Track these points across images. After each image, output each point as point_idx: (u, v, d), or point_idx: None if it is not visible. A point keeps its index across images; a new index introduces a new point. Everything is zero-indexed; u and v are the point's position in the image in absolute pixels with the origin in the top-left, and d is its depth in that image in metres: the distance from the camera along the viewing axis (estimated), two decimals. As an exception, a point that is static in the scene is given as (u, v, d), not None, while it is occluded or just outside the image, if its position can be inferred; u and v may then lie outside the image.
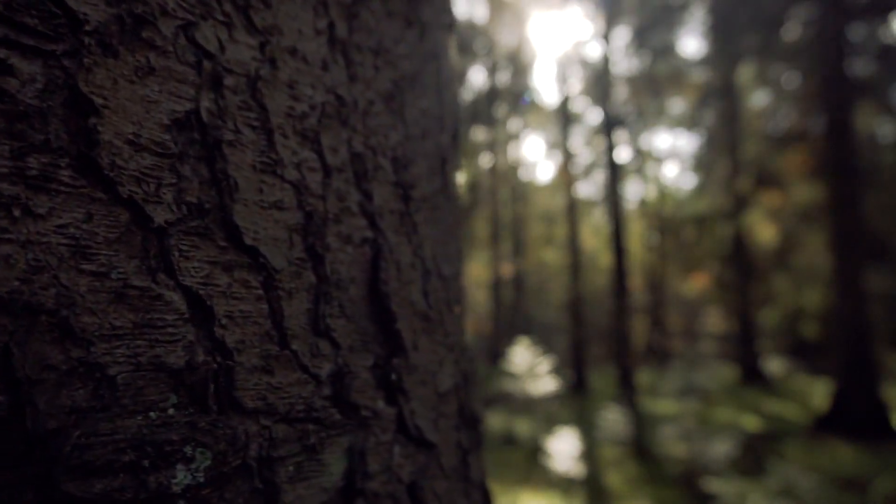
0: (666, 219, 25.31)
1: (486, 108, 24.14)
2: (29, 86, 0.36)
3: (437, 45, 0.89)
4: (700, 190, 24.31)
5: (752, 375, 17.61)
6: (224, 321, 0.45)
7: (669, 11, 16.91)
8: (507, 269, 23.31)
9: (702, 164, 23.57)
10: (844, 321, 10.93)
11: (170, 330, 0.41)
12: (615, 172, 14.96)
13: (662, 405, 13.20)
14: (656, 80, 19.99)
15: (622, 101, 20.99)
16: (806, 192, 17.50)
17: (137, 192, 0.41)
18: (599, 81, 15.51)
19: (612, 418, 10.22)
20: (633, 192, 28.75)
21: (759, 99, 20.81)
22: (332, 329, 0.53)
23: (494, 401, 13.75)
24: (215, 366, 0.43)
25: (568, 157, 18.56)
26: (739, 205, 17.79)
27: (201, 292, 0.43)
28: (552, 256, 31.63)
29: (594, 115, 23.81)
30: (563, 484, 7.79)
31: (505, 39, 22.87)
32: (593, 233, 31.30)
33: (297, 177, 0.53)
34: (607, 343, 21.69)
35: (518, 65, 23.85)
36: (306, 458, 0.49)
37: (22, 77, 0.36)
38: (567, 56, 18.15)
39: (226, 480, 0.42)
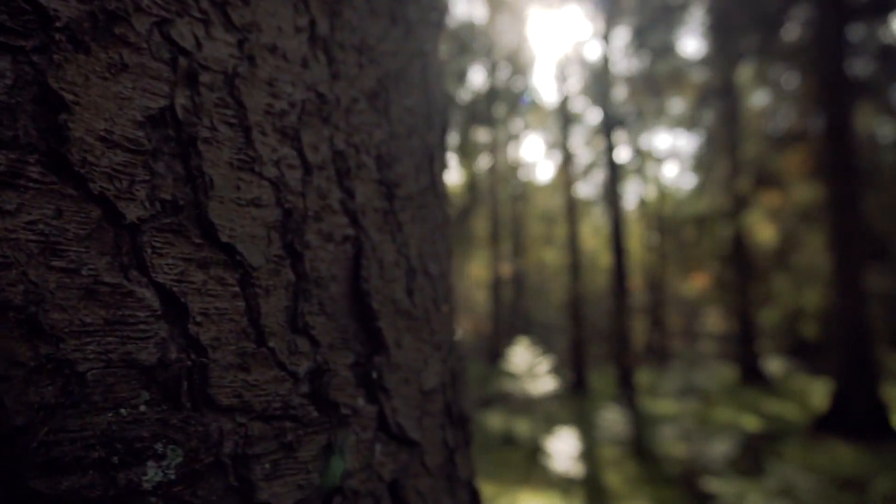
0: (666, 219, 25.31)
1: (485, 107, 24.14)
2: (-2, 82, 0.36)
3: (423, 43, 0.89)
4: (700, 190, 24.31)
5: (752, 375, 17.61)
6: (199, 318, 0.44)
7: (669, 11, 16.91)
8: (506, 269, 23.31)
9: (701, 164, 23.57)
10: (844, 321, 10.92)
11: (141, 327, 0.41)
12: (615, 172, 14.95)
13: (662, 405, 13.20)
14: (656, 80, 19.98)
15: (622, 101, 20.99)
16: (805, 192, 17.50)
17: (109, 188, 0.41)
18: (599, 81, 15.51)
19: (612, 418, 10.22)
20: (633, 192, 28.75)
21: (758, 99, 20.81)
22: (310, 327, 0.53)
23: (494, 401, 13.75)
24: (189, 363, 0.43)
25: (567, 156, 18.56)
26: (739, 205, 17.79)
27: (175, 289, 0.43)
28: (552, 256, 31.63)
29: (594, 115, 23.80)
30: (562, 484, 7.79)
31: (504, 39, 22.87)
32: (593, 233, 31.30)
33: (275, 174, 0.53)
34: (607, 343, 21.69)
35: (517, 65, 23.85)
36: (283, 455, 0.49)
37: (-9, 73, 0.36)
38: (566, 56, 18.16)
39: (198, 478, 0.42)
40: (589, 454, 9.44)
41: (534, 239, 31.57)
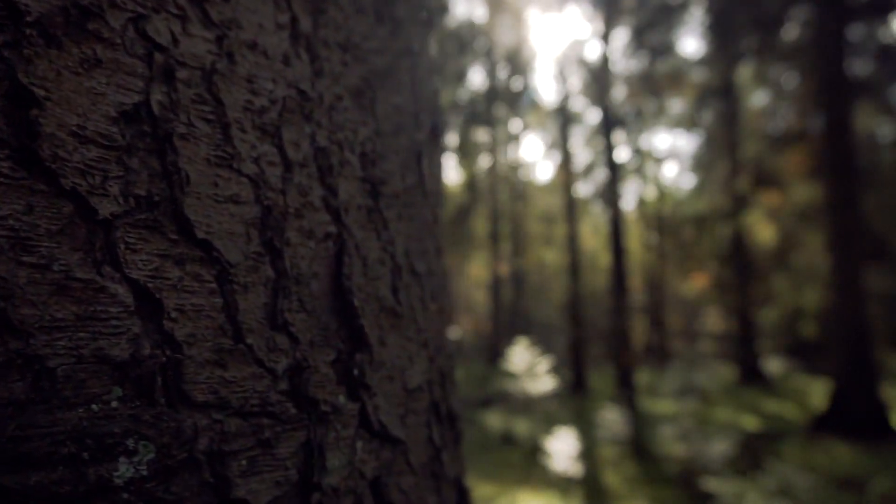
0: (665, 219, 25.31)
1: (485, 107, 24.14)
2: (-33, 77, 0.36)
3: (412, 41, 0.89)
4: (699, 190, 24.31)
5: (752, 375, 17.61)
6: (174, 314, 0.44)
7: (668, 11, 16.90)
8: (503, 268, 23.30)
9: (701, 164, 23.57)
10: (843, 321, 10.93)
11: (114, 322, 0.41)
12: (614, 172, 14.95)
13: (661, 405, 13.20)
14: (655, 80, 19.98)
15: (621, 101, 20.99)
16: (805, 192, 17.50)
17: (81, 184, 0.40)
18: (598, 81, 15.51)
19: (611, 418, 10.22)
20: (633, 191, 28.75)
21: (758, 99, 20.81)
22: (290, 324, 0.53)
23: (494, 400, 13.75)
24: (164, 359, 0.43)
25: (567, 156, 18.56)
26: (739, 205, 17.79)
27: (149, 285, 0.43)
28: (552, 256, 31.64)
29: (593, 115, 23.80)
30: (561, 483, 7.79)
31: (504, 39, 22.87)
32: (593, 233, 31.30)
33: (255, 171, 0.53)
34: (607, 343, 21.69)
35: (517, 65, 23.85)
36: (261, 452, 0.49)
37: (-40, 68, 0.36)
38: (566, 56, 18.16)
39: (172, 474, 0.42)
40: (588, 454, 9.44)
41: (533, 239, 31.57)
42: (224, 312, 0.48)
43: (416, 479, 0.69)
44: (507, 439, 10.52)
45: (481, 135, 25.42)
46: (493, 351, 22.67)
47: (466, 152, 25.50)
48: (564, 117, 18.47)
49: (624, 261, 14.59)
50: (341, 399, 0.57)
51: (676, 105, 24.22)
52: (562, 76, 18.23)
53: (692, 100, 21.03)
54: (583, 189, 28.92)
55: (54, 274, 0.39)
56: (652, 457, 9.39)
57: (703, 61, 19.37)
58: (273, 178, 0.55)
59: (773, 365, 19.33)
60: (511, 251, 26.79)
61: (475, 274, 34.73)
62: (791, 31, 15.08)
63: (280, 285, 0.53)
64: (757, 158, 18.31)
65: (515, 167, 28.74)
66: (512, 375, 11.65)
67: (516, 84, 24.94)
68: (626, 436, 9.96)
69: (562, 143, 19.35)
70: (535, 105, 27.56)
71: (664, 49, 18.74)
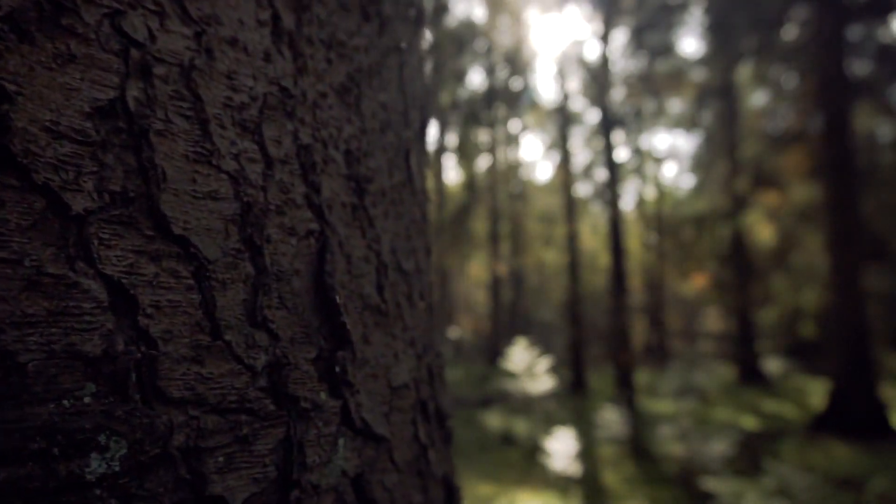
0: (665, 219, 25.30)
1: (484, 107, 24.14)
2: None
3: (400, 39, 0.89)
4: (698, 190, 24.30)
5: (751, 375, 17.61)
6: (149, 310, 0.44)
7: (667, 12, 16.90)
8: (501, 268, 23.30)
9: (700, 164, 23.57)
10: (843, 321, 10.92)
11: (86, 318, 0.41)
12: (614, 172, 14.95)
13: (661, 405, 13.19)
14: (655, 81, 19.98)
15: (621, 101, 20.99)
16: (804, 192, 17.50)
17: (54, 179, 0.40)
18: (598, 81, 15.52)
19: (610, 418, 10.22)
20: (632, 191, 28.76)
21: (757, 99, 20.81)
22: (270, 320, 0.53)
23: (493, 400, 13.75)
24: (139, 355, 0.43)
25: (567, 156, 18.56)
26: (738, 205, 17.79)
27: (124, 281, 0.43)
28: (551, 256, 31.64)
29: (593, 115, 23.80)
30: (561, 483, 7.79)
31: (503, 39, 22.87)
32: (592, 233, 31.31)
33: (234, 167, 0.53)
34: (607, 343, 21.69)
35: (517, 65, 23.85)
36: (238, 448, 0.48)
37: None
38: (565, 56, 18.15)
39: (145, 470, 0.42)
40: (587, 454, 9.44)
41: (533, 239, 31.58)
42: (202, 309, 0.48)
43: (400, 476, 0.69)
44: (507, 439, 10.52)
45: (481, 135, 25.42)
46: (493, 351, 22.66)
47: (466, 152, 25.50)
48: (564, 117, 18.46)
49: (623, 261, 14.59)
50: (323, 396, 0.57)
51: (676, 105, 24.22)
52: (561, 76, 18.23)
53: (691, 100, 21.03)
54: (582, 189, 28.94)
55: (25, 269, 0.38)
56: (651, 456, 9.39)
57: (703, 61, 19.37)
58: (253, 175, 0.55)
59: (773, 365, 19.33)
60: (510, 251, 26.79)
61: (475, 274, 34.73)
62: (790, 31, 15.08)
63: (260, 282, 0.53)
64: (756, 158, 18.31)
65: (515, 167, 28.75)
66: (511, 375, 11.65)
67: (516, 84, 24.94)
68: (625, 435, 9.96)
69: (561, 143, 19.35)
70: (534, 105, 27.56)
71: (664, 49, 18.74)
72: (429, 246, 1.01)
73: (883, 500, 6.83)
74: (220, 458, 0.47)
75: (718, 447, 7.83)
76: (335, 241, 0.64)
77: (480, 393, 15.22)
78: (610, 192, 14.92)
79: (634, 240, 28.46)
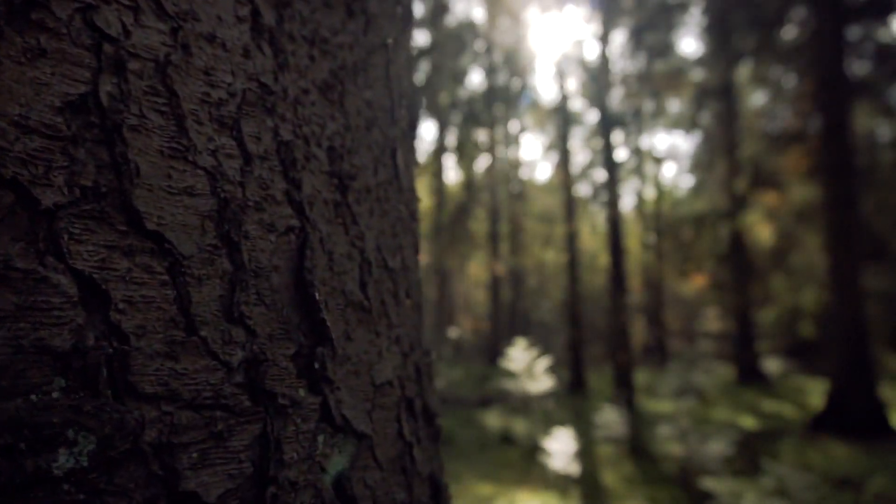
0: (664, 219, 25.30)
1: (484, 107, 24.14)
2: None
3: (386, 37, 0.89)
4: (698, 190, 24.30)
5: (750, 375, 17.61)
6: (122, 306, 0.44)
7: (667, 12, 16.90)
8: (500, 268, 23.30)
9: (699, 164, 23.57)
10: (842, 320, 10.92)
11: (56, 313, 0.40)
12: (613, 172, 14.95)
13: (660, 404, 13.20)
14: (654, 81, 19.99)
15: (620, 102, 20.99)
16: (804, 192, 17.50)
17: (23, 173, 0.40)
18: (597, 82, 15.52)
19: (609, 418, 10.22)
20: (632, 191, 28.76)
21: (757, 99, 20.81)
22: (247, 317, 0.53)
23: (493, 400, 13.75)
24: (111, 350, 0.43)
25: (566, 156, 18.56)
26: (737, 205, 17.79)
27: (95, 276, 0.43)
28: (551, 256, 31.64)
29: (592, 115, 23.80)
30: (560, 483, 7.79)
31: (503, 39, 22.87)
32: (591, 232, 31.31)
33: (212, 163, 0.53)
34: (606, 343, 21.70)
35: (516, 65, 23.85)
36: (213, 444, 0.48)
37: None
38: (565, 56, 18.15)
39: (115, 465, 0.41)
40: (586, 453, 9.44)
41: (532, 239, 31.59)
42: (176, 304, 0.48)
43: (383, 474, 0.69)
44: (506, 439, 10.52)
45: (480, 135, 25.42)
46: (493, 350, 22.67)
47: (465, 152, 25.50)
48: (563, 117, 18.46)
49: (623, 260, 14.59)
50: (301, 393, 0.57)
51: (675, 105, 24.23)
52: (560, 76, 18.23)
53: (690, 100, 21.04)
54: (582, 189, 28.95)
55: (-7, 264, 0.38)
56: (650, 456, 9.39)
57: (702, 61, 19.37)
58: (231, 171, 0.55)
59: (772, 365, 19.33)
60: (510, 251, 26.79)
61: (475, 274, 34.73)
62: (790, 31, 15.08)
63: (237, 278, 0.53)
64: (756, 158, 18.30)
65: (514, 167, 28.74)
66: (511, 375, 11.66)
67: (515, 84, 24.94)
68: (624, 435, 9.96)
69: (561, 143, 19.35)
70: (534, 105, 27.57)
71: (663, 49, 18.74)
72: (417, 244, 1.01)
73: (882, 499, 6.83)
74: (194, 454, 0.47)
75: (717, 447, 7.83)
76: (316, 237, 0.63)
77: (480, 393, 15.22)
78: (609, 192, 14.92)
79: (634, 240, 28.46)
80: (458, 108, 25.08)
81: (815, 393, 14.73)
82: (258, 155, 0.58)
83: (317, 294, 0.60)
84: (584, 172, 27.01)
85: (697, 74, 20.16)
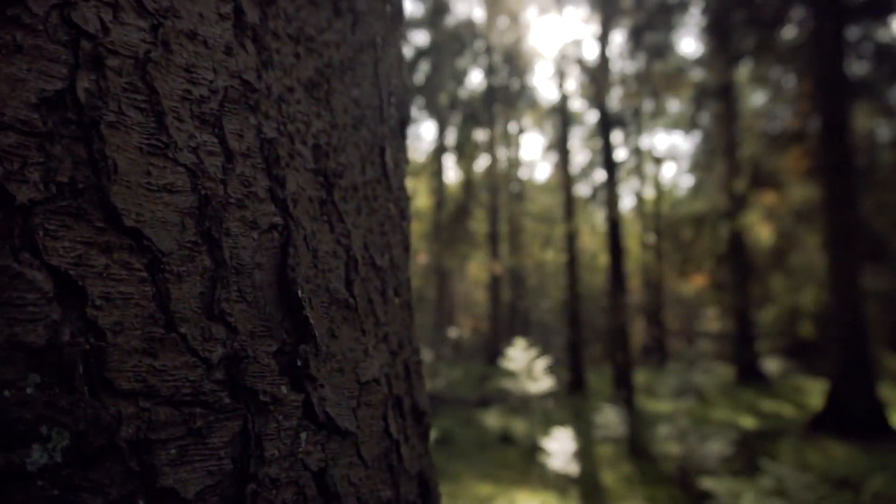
0: (663, 218, 25.30)
1: (483, 107, 24.14)
2: None
3: (374, 35, 0.89)
4: (697, 190, 24.30)
5: (750, 375, 17.61)
6: (98, 302, 0.44)
7: (666, 12, 16.91)
8: (498, 268, 23.30)
9: (699, 164, 23.57)
10: (841, 320, 10.92)
11: (30, 309, 0.40)
12: (612, 172, 14.95)
13: (659, 404, 13.19)
14: (653, 81, 19.99)
15: (619, 102, 20.99)
16: (803, 192, 17.50)
17: (-2, 170, 0.40)
18: (596, 82, 15.52)
19: (609, 418, 10.22)
20: (631, 191, 28.76)
21: (757, 99, 20.81)
22: (227, 314, 0.53)
23: (492, 400, 13.75)
24: (87, 346, 0.43)
25: (566, 156, 18.56)
26: (737, 205, 17.79)
27: (71, 272, 0.43)
28: (550, 256, 31.64)
29: (592, 115, 23.79)
30: (559, 483, 7.78)
31: (503, 39, 22.87)
32: (591, 232, 31.31)
33: (192, 160, 0.53)
34: (606, 343, 21.69)
35: (516, 65, 23.85)
36: (192, 441, 0.48)
37: None
38: (564, 56, 18.14)
39: (90, 461, 0.41)
40: (586, 453, 9.44)
41: (532, 238, 31.59)
42: (155, 301, 0.48)
43: (367, 471, 0.69)
44: (506, 439, 10.52)
45: (480, 134, 25.42)
46: (492, 350, 22.67)
47: (465, 152, 25.51)
48: (563, 117, 18.46)
49: (622, 260, 14.59)
50: (284, 390, 0.57)
51: (675, 105, 24.23)
52: (560, 76, 18.23)
53: (690, 100, 21.04)
54: (581, 189, 28.94)
55: (-33, 260, 0.38)
56: (649, 456, 9.39)
57: (701, 62, 19.38)
58: (212, 168, 0.55)
59: (772, 364, 19.33)
60: (509, 251, 26.79)
61: (474, 274, 34.74)
62: (789, 31, 15.08)
63: (218, 275, 0.53)
64: (755, 158, 18.30)
65: (514, 167, 28.75)
66: (510, 375, 11.66)
67: (515, 84, 24.94)
68: (623, 435, 9.96)
69: (560, 143, 19.35)
70: (533, 105, 27.57)
71: (662, 49, 18.75)
72: (407, 243, 1.00)
73: (880, 499, 6.83)
74: (173, 451, 0.47)
75: (716, 447, 7.83)
76: (300, 235, 0.63)
77: (479, 392, 15.22)
78: (609, 192, 14.92)
79: (633, 240, 28.46)
80: (458, 108, 25.09)
81: (815, 393, 14.73)
82: (240, 152, 0.58)
83: (300, 291, 0.60)
84: (584, 172, 27.01)
85: (697, 74, 20.17)
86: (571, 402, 14.40)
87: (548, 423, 10.70)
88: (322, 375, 0.63)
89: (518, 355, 11.06)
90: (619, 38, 18.48)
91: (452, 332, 24.11)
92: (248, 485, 0.51)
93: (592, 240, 32.07)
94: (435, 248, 23.73)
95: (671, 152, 39.03)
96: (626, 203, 31.81)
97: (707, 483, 6.57)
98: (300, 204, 0.65)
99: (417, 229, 30.28)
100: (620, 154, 26.45)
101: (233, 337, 0.53)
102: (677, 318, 29.02)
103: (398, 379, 0.87)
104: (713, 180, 21.18)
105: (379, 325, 0.80)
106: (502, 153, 27.29)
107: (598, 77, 15.41)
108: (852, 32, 13.80)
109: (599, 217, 28.56)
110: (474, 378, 18.51)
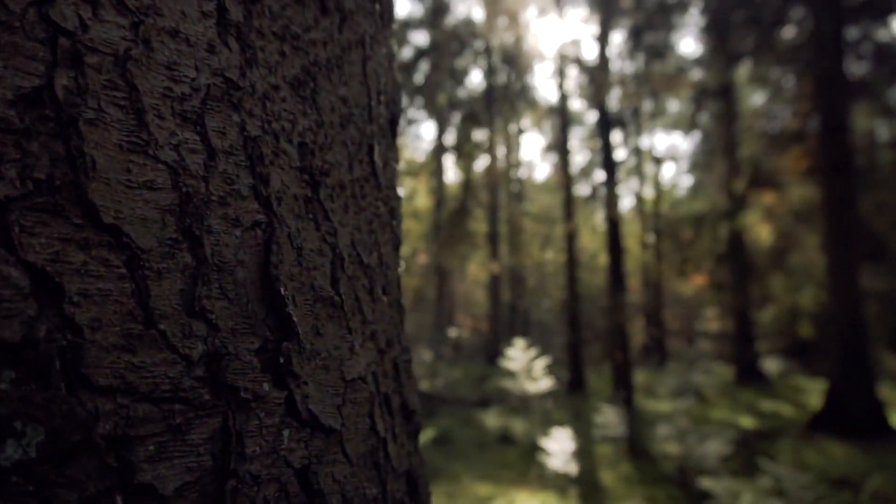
0: (663, 218, 25.29)
1: (483, 107, 24.14)
2: None
3: (362, 34, 0.89)
4: (697, 190, 24.30)
5: (749, 375, 17.60)
6: (76, 298, 0.44)
7: (665, 12, 16.90)
8: (497, 268, 23.30)
9: (699, 164, 23.57)
10: (840, 320, 10.92)
11: (5, 305, 0.41)
12: (612, 172, 14.95)
13: (659, 404, 13.19)
14: (653, 81, 19.98)
15: (619, 102, 20.98)
16: (803, 192, 17.50)
17: (-27, 167, 0.40)
18: (596, 82, 15.52)
19: (608, 417, 10.23)
20: (631, 191, 28.76)
21: (756, 99, 20.81)
22: (209, 311, 0.53)
23: (492, 400, 13.75)
24: (65, 343, 0.43)
25: (565, 156, 18.55)
26: (736, 205, 17.78)
27: (49, 269, 0.43)
28: (550, 256, 31.64)
29: (591, 115, 23.79)
30: (558, 483, 7.78)
31: (502, 39, 22.87)
32: (591, 232, 31.30)
33: (173, 158, 0.53)
34: (605, 343, 21.69)
35: (515, 65, 23.84)
36: (171, 437, 0.48)
37: None
38: (564, 56, 18.13)
39: (66, 457, 0.42)
40: (585, 453, 9.44)
41: (531, 238, 31.58)
42: (134, 298, 0.48)
43: (352, 468, 0.69)
44: (505, 438, 10.52)
45: (479, 134, 25.42)
46: (492, 350, 22.67)
47: (464, 152, 25.50)
48: (562, 117, 18.46)
49: (622, 260, 14.59)
50: (266, 387, 0.57)
51: (674, 105, 24.23)
52: (559, 76, 18.23)
53: (689, 100, 21.03)
54: (581, 189, 28.93)
55: (-59, 256, 0.39)
56: (649, 456, 9.39)
57: (701, 62, 19.37)
58: (194, 166, 0.55)
59: (771, 364, 19.33)
60: (509, 251, 26.79)
61: (474, 273, 34.74)
62: (788, 31, 15.07)
63: (199, 272, 0.53)
64: (755, 158, 18.29)
65: (513, 167, 28.74)
66: (510, 375, 11.66)
67: (514, 84, 24.94)
68: (622, 435, 9.96)
69: (560, 143, 19.34)
70: (533, 105, 27.57)
71: (662, 49, 18.74)
72: (397, 242, 1.01)
73: (879, 499, 6.83)
74: (151, 447, 0.47)
75: (716, 447, 7.83)
76: (284, 232, 0.64)
77: (479, 392, 15.22)
78: (608, 191, 14.92)
79: (633, 239, 28.46)
80: (458, 108, 25.09)
81: (814, 393, 14.73)
82: (223, 150, 0.58)
83: (283, 289, 0.61)
84: (584, 172, 27.00)
85: (696, 74, 20.16)
86: (571, 401, 14.40)
87: (547, 423, 10.70)
88: (305, 373, 0.63)
89: (518, 355, 11.06)
90: (618, 38, 18.52)
91: (452, 332, 24.11)
92: (229, 481, 0.52)
93: (592, 240, 32.08)
94: (434, 247, 23.73)
95: (671, 152, 38.97)
96: (626, 203, 31.81)
97: (706, 483, 6.57)
98: (284, 202, 0.65)
99: (417, 229, 30.28)
100: (620, 154, 26.47)
101: (214, 334, 0.53)
102: (677, 318, 29.02)
103: (386, 377, 0.87)
104: (713, 180, 21.18)
105: (366, 323, 0.81)
106: (502, 153, 27.30)
107: (597, 77, 15.41)
108: (852, 32, 13.80)
109: (599, 217, 28.57)
110: (474, 378, 18.51)
